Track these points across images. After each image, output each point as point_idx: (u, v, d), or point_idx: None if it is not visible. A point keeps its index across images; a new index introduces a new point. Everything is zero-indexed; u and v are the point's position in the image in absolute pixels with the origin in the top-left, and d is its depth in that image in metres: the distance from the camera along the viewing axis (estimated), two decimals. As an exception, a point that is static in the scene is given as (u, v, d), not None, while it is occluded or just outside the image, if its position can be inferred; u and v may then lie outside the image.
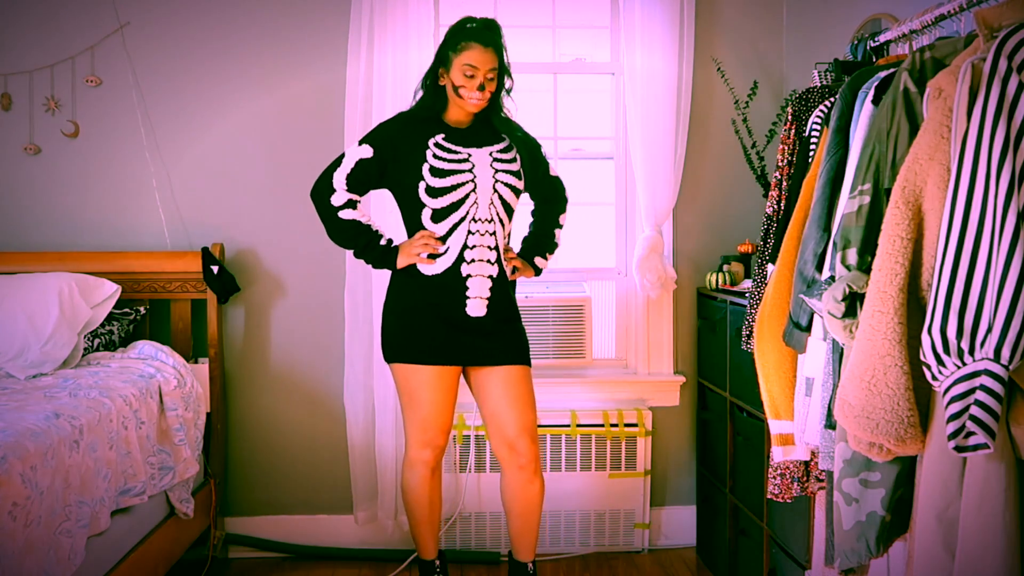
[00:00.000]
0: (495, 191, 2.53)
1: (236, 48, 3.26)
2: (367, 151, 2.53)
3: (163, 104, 3.25)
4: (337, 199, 2.53)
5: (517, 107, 2.65)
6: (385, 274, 3.12)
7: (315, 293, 3.31)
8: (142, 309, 3.18)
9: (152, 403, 2.64)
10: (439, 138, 2.51)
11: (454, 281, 2.51)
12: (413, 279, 2.54)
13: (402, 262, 2.52)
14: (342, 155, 2.58)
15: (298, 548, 3.31)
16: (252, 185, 3.29)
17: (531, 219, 2.77)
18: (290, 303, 3.32)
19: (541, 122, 3.42)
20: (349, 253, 3.18)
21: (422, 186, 2.48)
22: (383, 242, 2.54)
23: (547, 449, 3.28)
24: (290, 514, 3.34)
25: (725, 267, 3.15)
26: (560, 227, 2.75)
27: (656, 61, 3.21)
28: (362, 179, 2.54)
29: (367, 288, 3.19)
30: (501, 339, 2.56)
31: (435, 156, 2.49)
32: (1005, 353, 1.31)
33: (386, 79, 3.13)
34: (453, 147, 2.51)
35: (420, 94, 2.58)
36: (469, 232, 2.50)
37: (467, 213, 2.49)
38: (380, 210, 3.14)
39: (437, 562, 2.73)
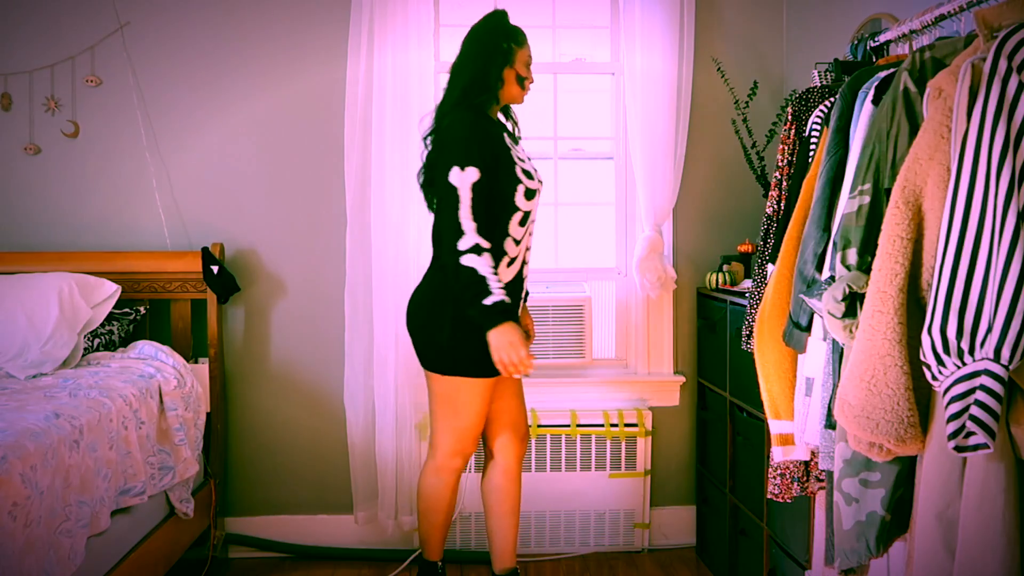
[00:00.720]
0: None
1: (236, 48, 3.26)
2: (475, 174, 2.30)
3: (163, 104, 3.25)
4: (466, 242, 2.27)
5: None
6: (385, 274, 3.14)
7: (315, 293, 3.31)
8: (142, 309, 3.18)
9: (152, 403, 2.64)
10: (507, 139, 2.47)
11: (518, 286, 2.48)
12: None
13: (495, 354, 2.29)
14: (453, 194, 2.29)
15: (298, 548, 3.31)
16: (252, 185, 3.29)
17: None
18: (290, 303, 3.32)
19: (541, 122, 3.42)
20: (349, 253, 3.18)
21: (521, 189, 2.40)
22: (500, 298, 2.26)
23: (547, 449, 3.28)
24: (290, 514, 3.35)
25: (725, 267, 3.15)
26: None
27: (656, 61, 3.21)
28: (481, 208, 2.29)
29: (367, 288, 3.19)
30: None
31: (518, 156, 2.45)
32: (1005, 353, 1.30)
33: (386, 79, 3.13)
34: (519, 146, 2.53)
35: (465, 86, 2.43)
36: (529, 234, 2.50)
37: (535, 217, 2.51)
38: (381, 211, 3.15)
39: (440, 563, 2.73)
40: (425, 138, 2.50)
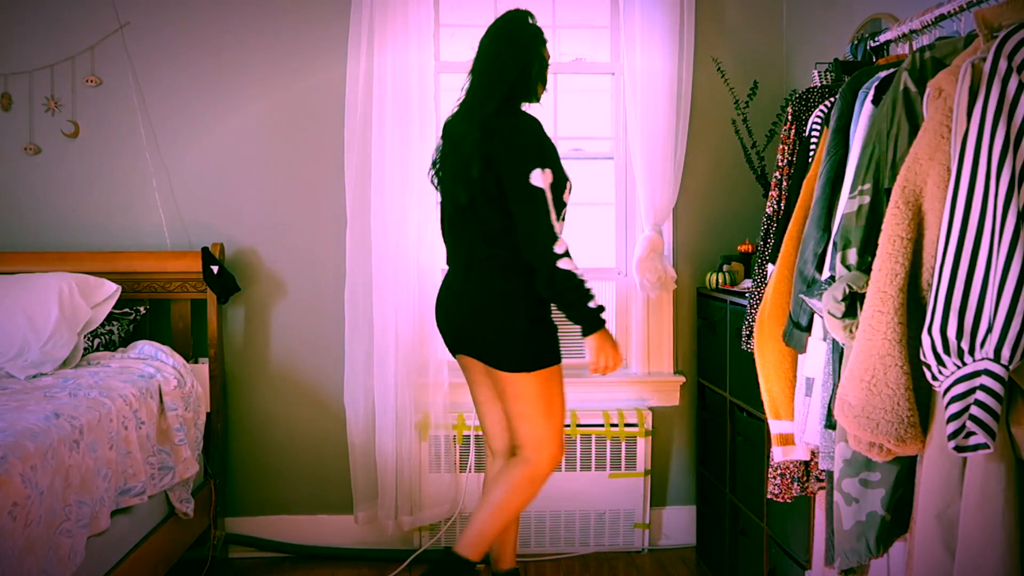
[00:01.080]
0: None
1: (236, 48, 3.26)
2: (550, 176, 2.35)
3: (163, 104, 3.25)
4: (560, 246, 2.32)
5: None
6: (385, 274, 3.14)
7: (315, 293, 3.31)
8: (142, 309, 3.18)
9: (152, 403, 2.64)
10: None
11: None
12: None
13: (598, 355, 2.40)
14: (541, 196, 2.32)
15: (298, 548, 3.31)
16: (252, 185, 3.29)
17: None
18: (290, 303, 3.32)
19: (541, 122, 3.42)
20: (349, 253, 3.19)
21: (568, 186, 2.46)
22: (593, 304, 2.34)
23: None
24: (290, 514, 3.35)
25: (725, 267, 3.15)
26: None
27: (656, 61, 3.21)
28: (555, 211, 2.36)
29: (367, 288, 3.19)
30: None
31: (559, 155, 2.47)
32: (1005, 353, 1.30)
33: (386, 79, 3.13)
34: None
35: (507, 87, 2.43)
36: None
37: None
38: (381, 211, 3.15)
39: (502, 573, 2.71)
40: (467, 137, 2.41)
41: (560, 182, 2.40)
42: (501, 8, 3.36)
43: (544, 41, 2.48)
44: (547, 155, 2.37)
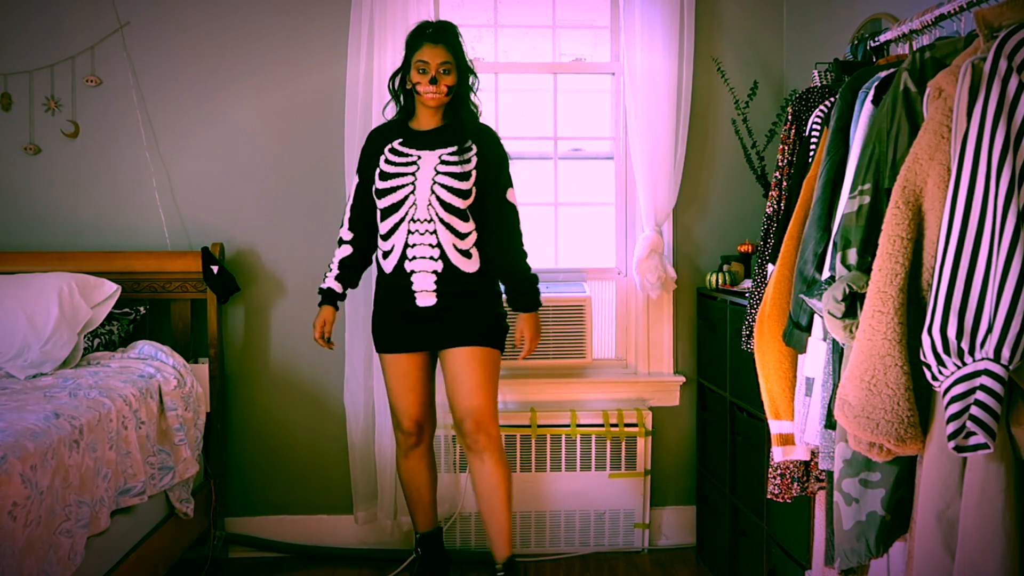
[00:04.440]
0: (433, 192, 2.64)
1: (236, 48, 3.26)
2: (356, 179, 2.80)
3: (163, 104, 3.25)
4: (339, 234, 2.83)
5: (483, 104, 2.82)
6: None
7: (315, 293, 3.30)
8: (142, 309, 3.18)
9: (152, 403, 2.64)
10: (396, 143, 2.73)
11: (401, 278, 2.69)
12: (380, 277, 2.78)
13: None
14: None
15: (298, 548, 3.31)
16: (252, 185, 3.29)
17: (493, 264, 2.74)
18: (290, 303, 3.32)
19: (541, 122, 3.43)
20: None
21: (373, 189, 2.71)
22: (322, 285, 2.82)
23: (547, 449, 3.28)
24: (290, 514, 3.34)
25: (725, 267, 3.15)
26: (527, 256, 2.77)
27: (656, 61, 3.20)
28: (360, 208, 2.77)
29: (367, 288, 3.18)
30: (450, 324, 2.68)
31: (386, 160, 2.71)
32: (1005, 353, 1.30)
33: (386, 79, 3.12)
34: (405, 150, 2.70)
35: (396, 106, 2.80)
36: (409, 232, 2.65)
37: (406, 214, 2.66)
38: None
39: (417, 535, 2.91)
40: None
41: (367, 182, 2.75)
42: (501, 8, 3.37)
43: (410, 47, 2.69)
44: (358, 161, 2.81)
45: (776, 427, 2.12)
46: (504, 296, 2.79)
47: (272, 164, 3.29)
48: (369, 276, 3.12)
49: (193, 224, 3.28)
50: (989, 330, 1.32)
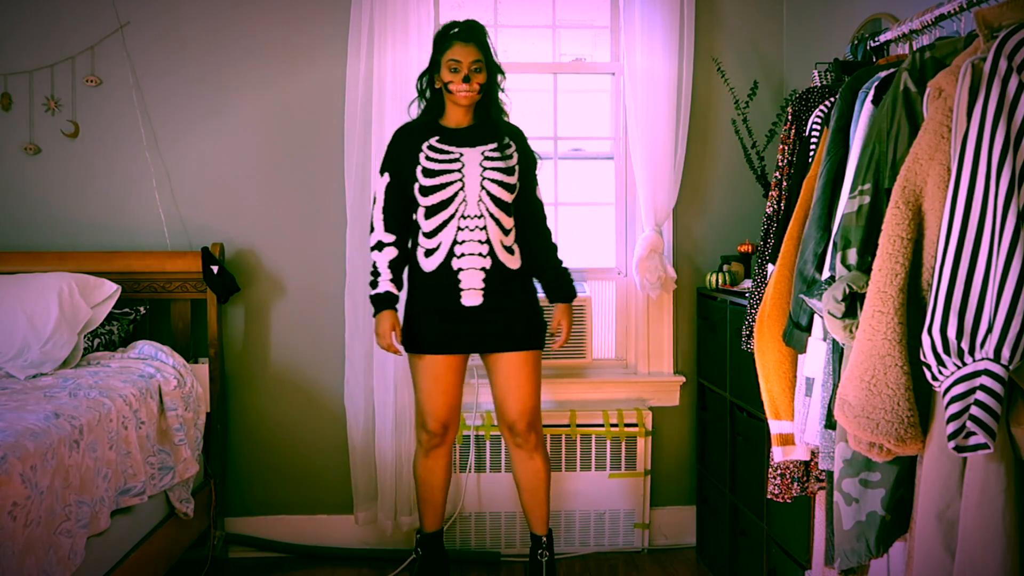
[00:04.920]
0: (483, 188, 2.65)
1: (236, 48, 3.26)
2: (387, 178, 2.72)
3: (163, 104, 3.25)
4: (373, 238, 2.74)
5: (512, 102, 2.83)
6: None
7: (315, 293, 3.31)
8: (142, 309, 3.18)
9: (152, 403, 2.64)
10: (433, 140, 2.70)
11: (447, 276, 2.65)
12: (418, 276, 2.71)
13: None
14: (376, 193, 2.76)
15: (298, 548, 3.31)
16: (252, 185, 3.29)
17: (534, 258, 2.81)
18: (290, 303, 3.32)
19: (541, 122, 3.43)
20: (349, 253, 3.19)
21: (416, 187, 2.66)
22: (378, 291, 2.71)
23: (547, 449, 3.27)
24: (290, 514, 3.34)
25: (725, 267, 3.15)
26: (563, 263, 2.85)
27: (656, 61, 3.20)
28: (396, 207, 2.71)
29: (367, 288, 3.18)
30: (500, 326, 2.68)
31: (427, 157, 2.68)
32: (1005, 353, 1.30)
33: (386, 79, 3.13)
34: (446, 147, 2.68)
35: (420, 105, 2.77)
36: (458, 228, 2.64)
37: (456, 211, 2.64)
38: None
39: (420, 535, 2.90)
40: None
41: (399, 180, 2.70)
42: (501, 7, 3.37)
43: (440, 47, 2.69)
44: (384, 160, 2.76)
45: (776, 427, 2.12)
46: (543, 288, 2.85)
47: (272, 164, 3.29)
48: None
49: (193, 224, 3.28)
50: (989, 330, 1.32)
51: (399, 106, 3.13)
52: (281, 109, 3.28)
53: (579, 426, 3.27)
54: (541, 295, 2.86)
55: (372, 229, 2.74)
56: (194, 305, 3.23)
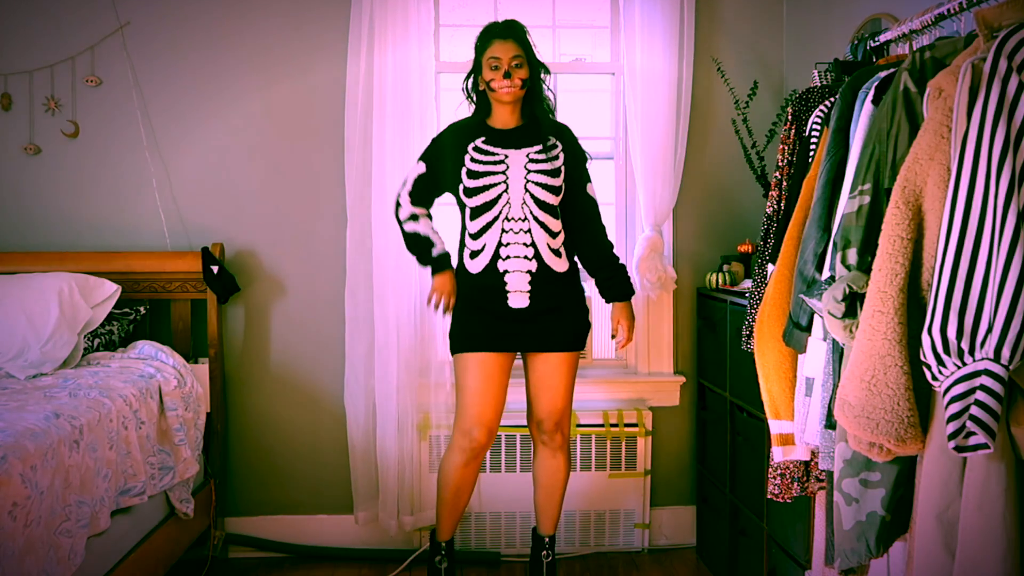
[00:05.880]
0: (527, 191, 2.64)
1: (236, 48, 3.26)
2: (422, 167, 2.74)
3: (163, 104, 3.25)
4: (403, 213, 2.74)
5: (556, 98, 2.83)
6: (386, 274, 3.15)
7: (315, 293, 3.31)
8: (142, 309, 3.18)
9: (152, 403, 2.64)
10: (479, 141, 2.68)
11: (493, 278, 2.64)
12: (464, 278, 2.69)
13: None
14: (407, 176, 2.76)
15: (298, 548, 3.31)
16: (252, 185, 3.29)
17: (587, 256, 2.78)
18: (290, 303, 3.32)
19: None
20: (349, 253, 3.19)
21: (461, 188, 2.66)
22: (436, 252, 2.71)
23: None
24: (290, 514, 3.34)
25: (725, 267, 3.15)
26: (620, 260, 2.81)
27: (656, 61, 3.20)
28: (423, 193, 2.73)
29: (367, 288, 3.19)
30: (547, 326, 2.68)
31: (472, 159, 2.66)
32: (1005, 353, 1.30)
33: (386, 79, 3.13)
34: (491, 149, 2.67)
35: (470, 109, 2.78)
36: (503, 231, 2.63)
37: (500, 213, 2.63)
38: (381, 210, 3.15)
39: (443, 545, 2.83)
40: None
41: (434, 174, 2.71)
42: (501, 7, 3.37)
43: (480, 47, 2.68)
44: (425, 151, 2.77)
45: (776, 427, 2.12)
46: (598, 287, 2.82)
47: (272, 164, 3.29)
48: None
49: (193, 224, 3.28)
50: (989, 330, 1.32)
51: (399, 106, 3.13)
52: (281, 109, 3.28)
53: (579, 426, 3.27)
54: (589, 294, 2.85)
55: (399, 206, 2.74)
56: (194, 305, 3.23)
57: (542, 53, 2.77)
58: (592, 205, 2.77)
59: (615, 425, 3.28)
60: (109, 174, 3.26)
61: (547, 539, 2.85)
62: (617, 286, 2.77)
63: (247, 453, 3.33)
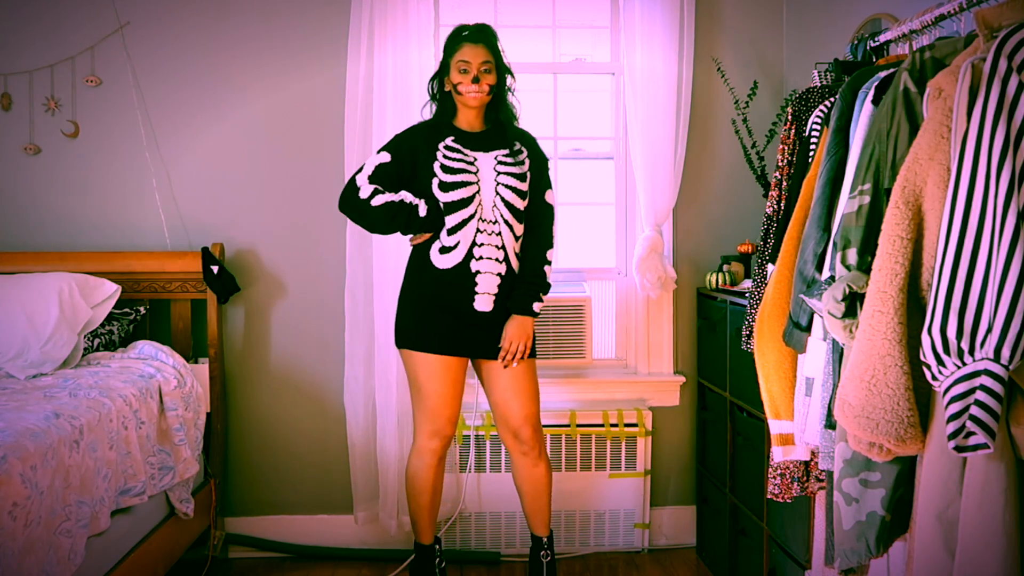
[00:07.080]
0: (497, 194, 2.63)
1: (236, 48, 3.26)
2: (386, 157, 2.65)
3: (163, 104, 3.25)
4: (364, 192, 2.60)
5: (521, 105, 2.77)
6: (386, 274, 3.15)
7: (315, 293, 3.31)
8: (142, 309, 3.18)
9: (152, 403, 2.64)
10: (448, 140, 2.66)
11: (463, 277, 2.61)
12: (427, 272, 2.63)
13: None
14: (363, 165, 2.66)
15: (298, 548, 3.31)
16: (252, 185, 3.29)
17: (525, 255, 2.71)
18: (290, 303, 3.32)
19: (541, 122, 3.42)
20: (349, 253, 3.19)
21: (435, 182, 2.61)
22: (423, 213, 2.59)
23: (547, 449, 3.27)
24: (290, 514, 3.34)
25: (725, 267, 3.15)
26: (549, 264, 2.72)
27: (656, 61, 3.20)
28: (384, 181, 2.63)
29: (367, 288, 3.19)
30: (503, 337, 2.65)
31: (445, 156, 2.63)
32: (1005, 353, 1.30)
33: (386, 79, 3.13)
34: (461, 148, 2.65)
35: (432, 107, 2.75)
36: (478, 231, 2.61)
37: (474, 212, 2.61)
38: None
39: (437, 546, 2.85)
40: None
41: (400, 165, 2.63)
42: (501, 7, 3.37)
43: (449, 49, 2.66)
44: (388, 143, 2.70)
45: (776, 427, 2.12)
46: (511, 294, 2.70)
47: (272, 164, 3.29)
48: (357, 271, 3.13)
49: (193, 224, 3.28)
50: (989, 330, 1.32)
51: (399, 106, 3.13)
52: (281, 109, 3.28)
53: (579, 426, 3.27)
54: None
55: (356, 190, 2.59)
56: (194, 305, 3.23)
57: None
58: (547, 213, 2.74)
59: (615, 425, 3.28)
60: (109, 174, 3.26)
61: (544, 539, 2.84)
62: (522, 298, 2.63)
63: (247, 453, 3.33)
